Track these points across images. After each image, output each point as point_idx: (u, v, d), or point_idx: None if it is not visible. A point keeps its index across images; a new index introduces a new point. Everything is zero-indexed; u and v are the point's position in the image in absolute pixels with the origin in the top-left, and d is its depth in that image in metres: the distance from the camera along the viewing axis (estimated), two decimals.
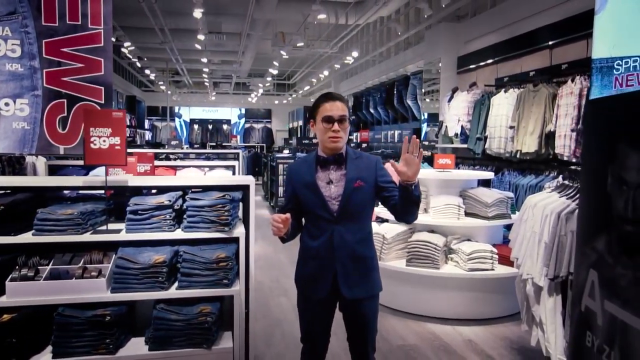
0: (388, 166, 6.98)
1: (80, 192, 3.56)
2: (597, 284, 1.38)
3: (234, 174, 5.95)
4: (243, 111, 24.78)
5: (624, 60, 4.44)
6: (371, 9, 10.10)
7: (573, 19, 5.74)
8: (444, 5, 7.40)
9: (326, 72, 15.83)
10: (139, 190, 3.23)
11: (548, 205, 3.18)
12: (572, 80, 5.19)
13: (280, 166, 10.18)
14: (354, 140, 13.42)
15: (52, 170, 4.80)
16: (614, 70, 4.54)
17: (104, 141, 2.80)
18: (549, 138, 5.48)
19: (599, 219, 1.41)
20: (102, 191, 3.63)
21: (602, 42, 4.67)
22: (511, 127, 5.97)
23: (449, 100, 7.68)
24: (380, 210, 4.69)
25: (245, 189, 3.10)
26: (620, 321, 1.24)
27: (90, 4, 3.27)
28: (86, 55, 3.29)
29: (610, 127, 1.41)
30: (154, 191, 3.34)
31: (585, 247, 1.49)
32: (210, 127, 23.92)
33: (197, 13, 9.21)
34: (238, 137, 22.68)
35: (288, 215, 2.12)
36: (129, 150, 3.38)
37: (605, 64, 4.64)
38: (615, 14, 4.51)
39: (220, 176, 5.17)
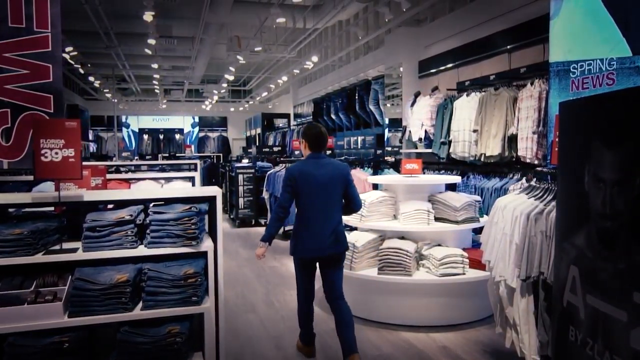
0: (354, 172, 6.88)
1: (25, 209, 3.29)
2: (578, 279, 1.41)
3: (193, 185, 5.72)
4: (197, 119, 23.76)
5: (579, 64, 4.55)
6: (330, 13, 10.05)
7: (529, 23, 5.87)
8: (404, 9, 7.43)
9: (285, 78, 15.70)
10: (94, 206, 3.00)
11: (517, 207, 3.18)
12: (532, 84, 5.29)
13: (240, 176, 9.68)
14: None
15: None
16: (571, 74, 4.65)
17: (56, 153, 2.59)
18: (511, 141, 5.57)
19: (577, 216, 1.43)
20: (51, 208, 3.36)
21: (558, 46, 4.79)
22: (474, 131, 6.03)
23: (412, 105, 7.71)
24: (349, 219, 4.59)
25: (211, 200, 2.94)
26: (602, 313, 1.26)
27: (35, 5, 2.98)
28: (32, 60, 3.01)
29: (584, 127, 1.41)
30: (110, 206, 3.12)
31: (565, 243, 1.54)
32: (161, 136, 22.72)
33: (148, 16, 8.75)
34: (192, 146, 21.85)
35: None
36: None
37: (562, 68, 4.75)
38: (569, 19, 4.63)
39: (183, 188, 4.96)
